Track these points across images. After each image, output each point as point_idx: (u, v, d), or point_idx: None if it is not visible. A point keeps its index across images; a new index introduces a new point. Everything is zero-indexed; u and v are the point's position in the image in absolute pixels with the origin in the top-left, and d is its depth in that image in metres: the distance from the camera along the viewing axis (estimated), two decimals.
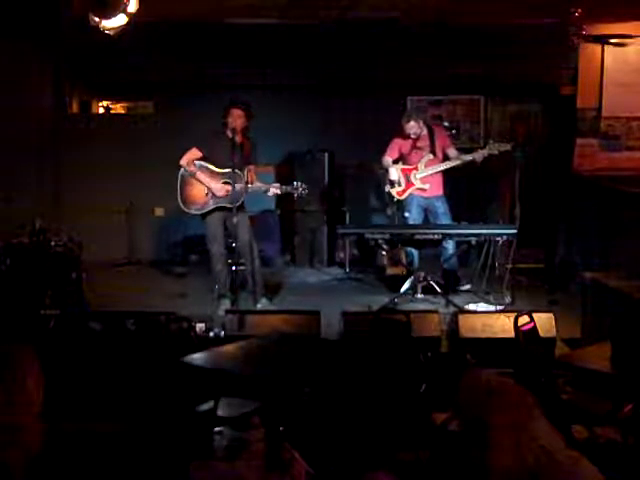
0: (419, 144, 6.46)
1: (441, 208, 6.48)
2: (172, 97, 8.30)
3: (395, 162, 6.53)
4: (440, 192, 6.52)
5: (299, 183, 5.97)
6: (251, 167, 5.99)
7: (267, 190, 5.97)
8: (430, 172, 6.42)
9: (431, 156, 6.43)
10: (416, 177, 6.44)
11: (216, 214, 5.88)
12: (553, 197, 7.59)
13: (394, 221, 6.76)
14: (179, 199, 5.96)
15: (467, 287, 6.48)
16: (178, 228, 8.00)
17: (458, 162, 6.37)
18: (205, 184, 5.88)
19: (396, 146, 6.55)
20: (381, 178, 7.01)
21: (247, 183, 5.84)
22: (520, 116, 8.52)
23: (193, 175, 5.90)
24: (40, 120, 7.94)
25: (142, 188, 7.98)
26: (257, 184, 5.99)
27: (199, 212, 5.94)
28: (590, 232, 6.64)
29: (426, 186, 6.43)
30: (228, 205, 5.75)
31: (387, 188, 6.55)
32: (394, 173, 6.44)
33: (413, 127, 6.40)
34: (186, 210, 5.98)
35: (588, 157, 7.62)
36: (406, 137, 6.49)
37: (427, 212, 6.54)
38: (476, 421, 2.01)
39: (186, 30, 7.56)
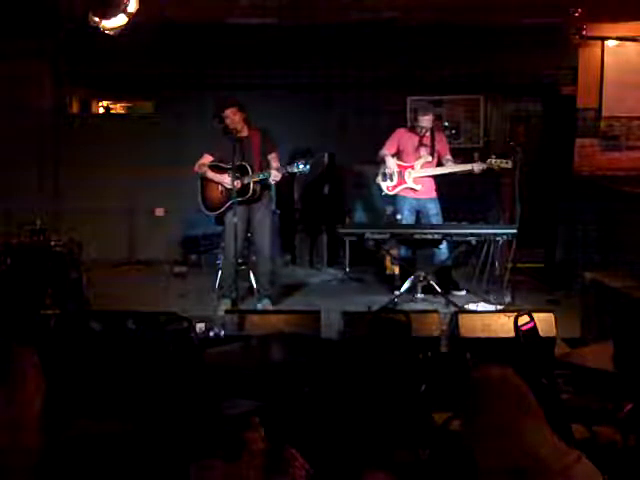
0: (422, 142, 6.43)
1: (433, 210, 6.47)
2: (172, 97, 8.30)
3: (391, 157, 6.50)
4: (433, 194, 6.51)
5: (299, 162, 5.75)
6: (273, 155, 5.92)
7: (269, 176, 5.77)
8: (424, 174, 6.41)
9: (429, 158, 6.41)
10: (410, 176, 6.43)
11: (237, 214, 5.80)
12: (553, 197, 7.59)
13: (385, 219, 6.74)
14: (201, 204, 5.99)
15: (462, 293, 6.46)
16: (178, 228, 8.01)
17: (455, 169, 6.36)
18: (216, 180, 5.89)
19: (396, 140, 6.50)
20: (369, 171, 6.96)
21: (254, 173, 5.76)
22: (520, 116, 8.52)
23: (204, 174, 5.91)
24: (40, 120, 7.94)
25: (142, 188, 7.98)
26: (262, 174, 5.80)
27: (218, 212, 5.93)
28: (590, 232, 6.64)
29: (418, 187, 6.42)
30: (241, 199, 5.72)
31: (378, 179, 6.51)
32: (391, 166, 6.40)
33: (428, 121, 6.37)
34: (208, 213, 6.02)
35: (588, 157, 7.63)
36: (414, 131, 6.47)
37: (419, 213, 6.53)
38: (474, 419, 2.02)
39: (186, 30, 7.57)
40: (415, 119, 6.50)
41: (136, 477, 2.29)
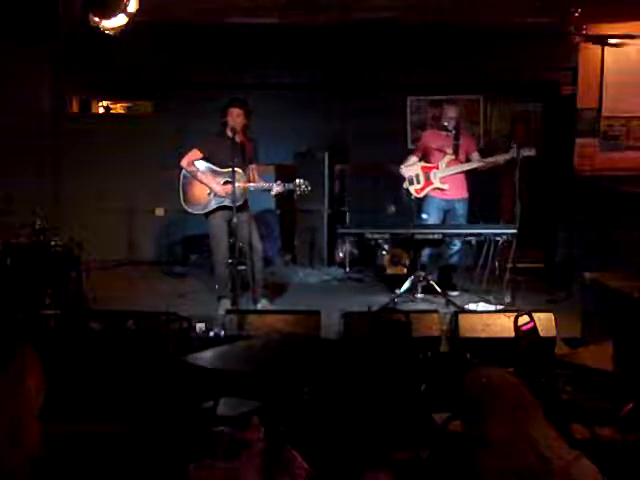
0: (447, 141, 6.37)
1: (461, 210, 6.45)
2: (172, 97, 8.30)
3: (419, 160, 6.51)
4: (463, 195, 6.48)
5: (301, 181, 5.88)
6: (253, 166, 5.98)
7: (270, 189, 5.90)
8: (450, 172, 6.38)
9: (452, 156, 6.37)
10: (436, 176, 6.40)
11: (219, 214, 5.87)
12: (553, 197, 7.58)
13: (405, 220, 6.75)
14: (181, 199, 5.96)
15: (455, 293, 6.43)
16: (178, 228, 8.01)
17: (480, 164, 6.33)
18: (206, 184, 5.88)
19: (423, 144, 6.52)
20: (382, 176, 6.95)
21: (248, 182, 5.84)
22: (520, 116, 8.52)
23: (194, 176, 5.90)
24: (40, 120, 7.93)
25: (142, 188, 7.98)
26: (260, 183, 5.97)
27: (201, 212, 5.94)
28: (590, 232, 6.64)
29: (445, 186, 6.38)
30: (230, 204, 5.74)
31: (405, 185, 6.49)
32: (414, 169, 6.41)
33: (454, 111, 6.35)
34: (189, 210, 5.99)
35: (588, 157, 7.61)
36: (441, 129, 6.43)
37: (447, 214, 6.51)
38: (475, 421, 2.01)
39: (186, 30, 7.57)
40: (440, 114, 6.47)
41: (136, 477, 2.29)
